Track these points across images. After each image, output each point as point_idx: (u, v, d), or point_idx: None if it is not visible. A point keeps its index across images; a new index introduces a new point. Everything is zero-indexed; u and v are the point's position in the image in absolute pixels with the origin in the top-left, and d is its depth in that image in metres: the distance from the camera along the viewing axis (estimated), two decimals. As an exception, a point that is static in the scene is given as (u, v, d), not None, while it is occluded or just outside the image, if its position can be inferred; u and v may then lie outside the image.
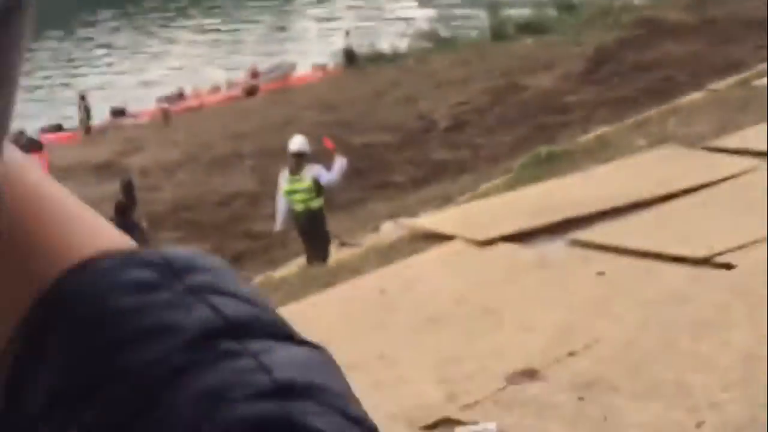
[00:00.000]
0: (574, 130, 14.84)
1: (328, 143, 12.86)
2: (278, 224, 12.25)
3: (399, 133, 21.05)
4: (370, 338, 4.91)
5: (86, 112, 26.86)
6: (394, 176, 18.98)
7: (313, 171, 11.54)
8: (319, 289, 5.76)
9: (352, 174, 20.31)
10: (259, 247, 15.90)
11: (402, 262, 5.88)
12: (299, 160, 11.63)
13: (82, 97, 27.48)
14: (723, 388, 3.95)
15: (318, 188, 11.47)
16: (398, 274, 5.67)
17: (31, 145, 19.61)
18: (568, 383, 4.19)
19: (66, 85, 37.12)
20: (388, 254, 6.17)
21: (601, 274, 5.19)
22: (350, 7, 44.93)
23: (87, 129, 26.53)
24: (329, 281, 5.91)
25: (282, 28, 44.78)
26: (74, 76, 39.71)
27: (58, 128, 28.23)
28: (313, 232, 11.10)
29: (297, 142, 11.92)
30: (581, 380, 4.19)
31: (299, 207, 11.47)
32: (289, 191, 11.57)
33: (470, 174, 15.16)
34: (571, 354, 4.42)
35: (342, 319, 5.19)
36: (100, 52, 44.08)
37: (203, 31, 46.20)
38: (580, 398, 4.05)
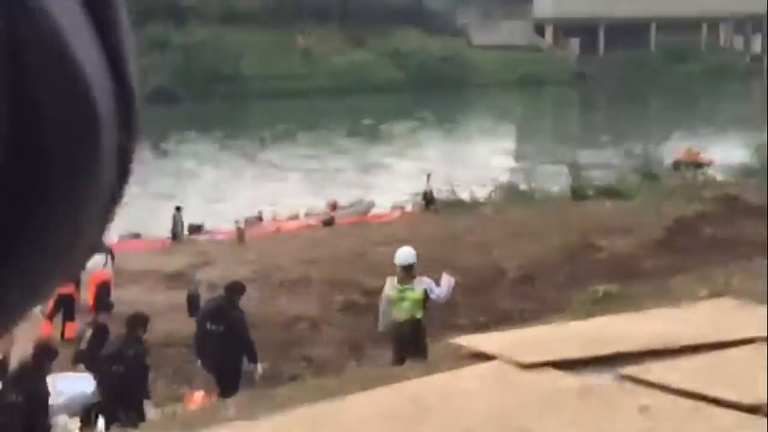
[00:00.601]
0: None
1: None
2: (382, 326, 12.24)
3: (468, 278, 20.93)
4: (397, 443, 4.77)
5: (179, 224, 27.80)
6: (458, 319, 18.81)
7: (424, 283, 11.60)
8: (355, 392, 5.66)
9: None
10: (313, 372, 15.79)
11: (440, 376, 5.77)
12: (409, 271, 11.70)
13: (178, 209, 28.41)
14: None
15: (426, 300, 11.51)
16: (434, 386, 5.55)
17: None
18: None
19: (162, 195, 38.29)
20: (428, 369, 6.07)
21: (644, 408, 5.02)
22: (445, 153, 45.68)
23: (175, 238, 27.40)
24: (366, 387, 5.79)
25: (376, 165, 45.64)
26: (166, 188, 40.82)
27: (137, 236, 28.84)
28: (411, 342, 10.95)
29: (407, 254, 12.02)
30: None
31: (403, 316, 11.55)
32: (398, 299, 11.63)
33: (533, 324, 15.00)
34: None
35: (372, 422, 5.06)
36: (200, 168, 45.27)
37: (299, 157, 47.33)
38: None
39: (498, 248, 22.39)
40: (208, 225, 29.45)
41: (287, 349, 16.53)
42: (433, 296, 11.52)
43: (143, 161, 47.91)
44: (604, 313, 7.11)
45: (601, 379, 5.57)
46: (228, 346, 12.13)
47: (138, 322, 11.12)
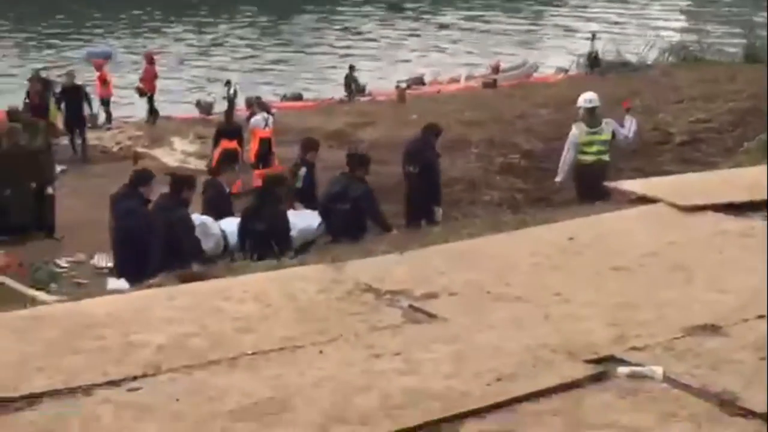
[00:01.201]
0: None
1: (625, 103, 13.43)
2: (561, 176, 12.50)
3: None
4: (549, 277, 4.68)
5: (353, 82, 28.15)
6: (621, 184, 18.37)
7: (612, 125, 12.08)
8: (507, 231, 5.59)
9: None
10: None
11: (599, 216, 5.66)
12: (593, 113, 12.13)
13: (351, 68, 28.77)
14: None
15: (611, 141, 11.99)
16: (591, 225, 5.43)
17: (260, 105, 20.60)
18: (751, 343, 3.83)
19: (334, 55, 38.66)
20: (587, 210, 5.95)
21: (808, 250, 4.80)
22: (615, 13, 44.38)
23: (349, 97, 27.69)
24: (519, 227, 5.70)
25: (547, 26, 44.72)
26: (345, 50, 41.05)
27: (299, 97, 29.21)
28: (597, 185, 11.08)
29: (592, 97, 12.40)
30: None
31: (590, 158, 11.86)
32: (586, 143, 11.94)
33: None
34: (761, 317, 4.06)
35: (525, 256, 4.98)
36: (370, 30, 45.28)
37: (470, 19, 46.70)
38: (762, 358, 3.70)
39: (664, 112, 21.71)
40: (370, 86, 29.55)
41: (446, 209, 16.48)
42: (620, 137, 11.97)
43: (311, 25, 48.16)
44: (774, 161, 6.85)
45: (764, 223, 5.35)
46: (423, 187, 12.74)
47: (361, 161, 11.72)
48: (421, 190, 12.72)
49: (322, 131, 21.36)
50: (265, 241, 9.18)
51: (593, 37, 28.36)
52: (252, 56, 40.47)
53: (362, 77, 30.68)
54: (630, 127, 12.27)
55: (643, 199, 5.88)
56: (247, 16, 50.89)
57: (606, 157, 11.65)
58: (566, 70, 28.82)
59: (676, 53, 26.68)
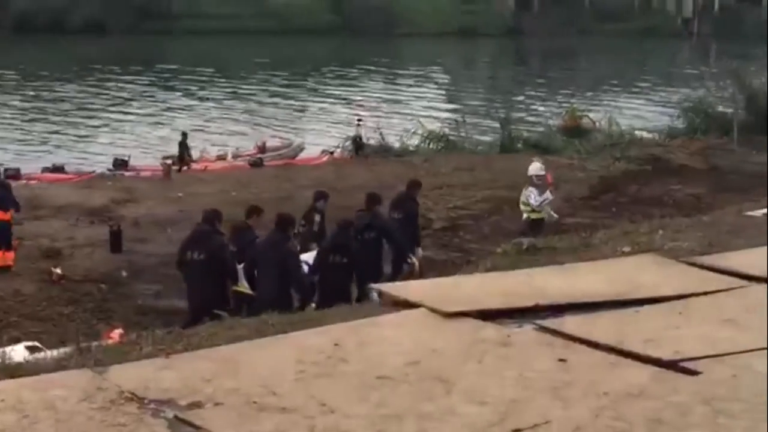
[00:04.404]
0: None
1: (549, 179, 17.36)
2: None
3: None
4: (315, 385, 4.73)
5: (186, 151, 28.05)
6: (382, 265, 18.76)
7: (527, 191, 16.60)
8: (273, 334, 5.61)
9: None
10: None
11: (361, 321, 5.76)
12: (530, 180, 16.68)
13: (184, 135, 28.75)
14: (667, 485, 3.76)
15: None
16: (355, 331, 5.53)
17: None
18: (507, 457, 4.00)
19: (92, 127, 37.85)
20: (349, 314, 6.05)
21: (562, 360, 5.04)
22: (379, 100, 45.59)
23: (181, 162, 27.47)
24: (287, 330, 5.74)
25: (309, 109, 45.35)
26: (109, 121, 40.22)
27: (60, 169, 28.43)
28: (533, 233, 14.15)
29: (532, 167, 17.01)
30: (522, 456, 4.00)
31: (525, 215, 16.52)
32: (521, 202, 16.76)
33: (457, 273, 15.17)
34: (516, 430, 4.23)
35: (291, 363, 5.01)
36: (130, 103, 44.67)
37: (234, 97, 46.80)
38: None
39: (424, 198, 22.31)
40: (134, 161, 29.12)
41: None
42: (530, 201, 16.30)
43: (73, 93, 47.10)
44: (528, 265, 7.18)
45: (521, 331, 5.59)
46: (406, 232, 14.80)
47: (376, 199, 14.15)
48: (404, 235, 14.73)
49: (84, 207, 20.85)
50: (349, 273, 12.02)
51: (359, 121, 29.11)
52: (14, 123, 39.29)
53: (124, 150, 30.24)
54: (544, 197, 16.41)
55: (406, 303, 6.04)
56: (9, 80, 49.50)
57: (534, 215, 16.04)
58: (331, 152, 29.36)
59: (436, 141, 27.71)
